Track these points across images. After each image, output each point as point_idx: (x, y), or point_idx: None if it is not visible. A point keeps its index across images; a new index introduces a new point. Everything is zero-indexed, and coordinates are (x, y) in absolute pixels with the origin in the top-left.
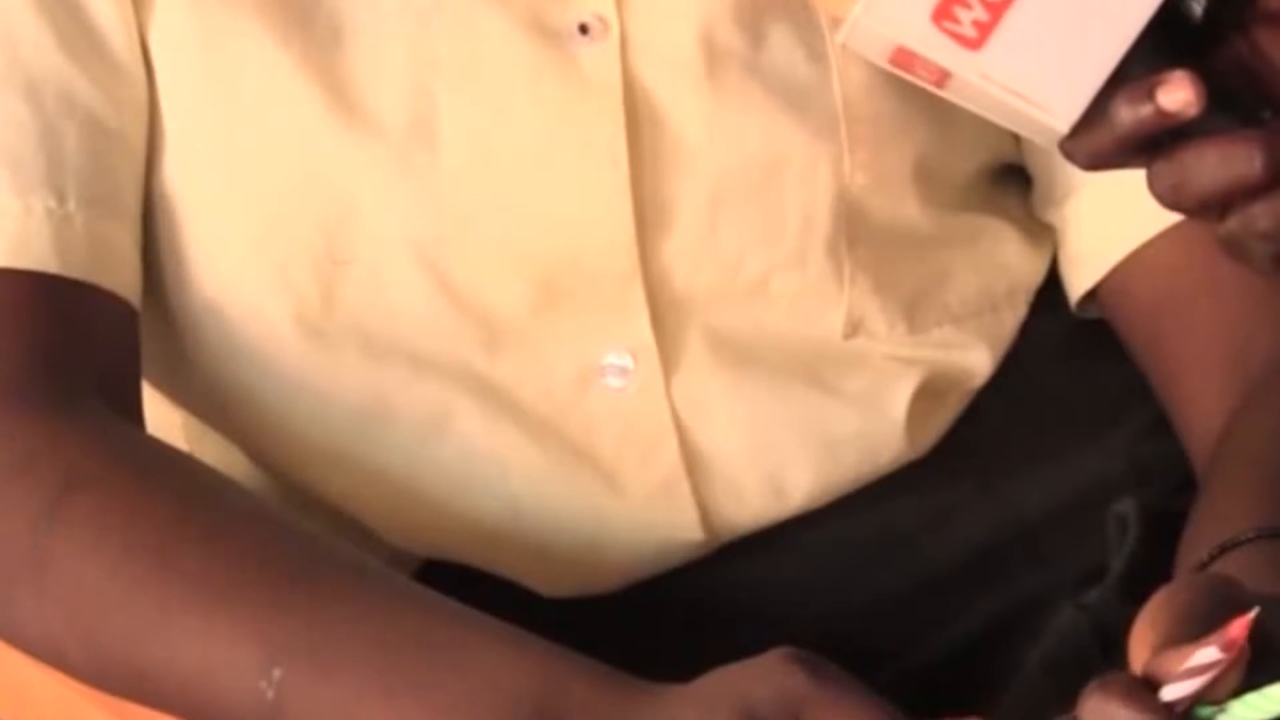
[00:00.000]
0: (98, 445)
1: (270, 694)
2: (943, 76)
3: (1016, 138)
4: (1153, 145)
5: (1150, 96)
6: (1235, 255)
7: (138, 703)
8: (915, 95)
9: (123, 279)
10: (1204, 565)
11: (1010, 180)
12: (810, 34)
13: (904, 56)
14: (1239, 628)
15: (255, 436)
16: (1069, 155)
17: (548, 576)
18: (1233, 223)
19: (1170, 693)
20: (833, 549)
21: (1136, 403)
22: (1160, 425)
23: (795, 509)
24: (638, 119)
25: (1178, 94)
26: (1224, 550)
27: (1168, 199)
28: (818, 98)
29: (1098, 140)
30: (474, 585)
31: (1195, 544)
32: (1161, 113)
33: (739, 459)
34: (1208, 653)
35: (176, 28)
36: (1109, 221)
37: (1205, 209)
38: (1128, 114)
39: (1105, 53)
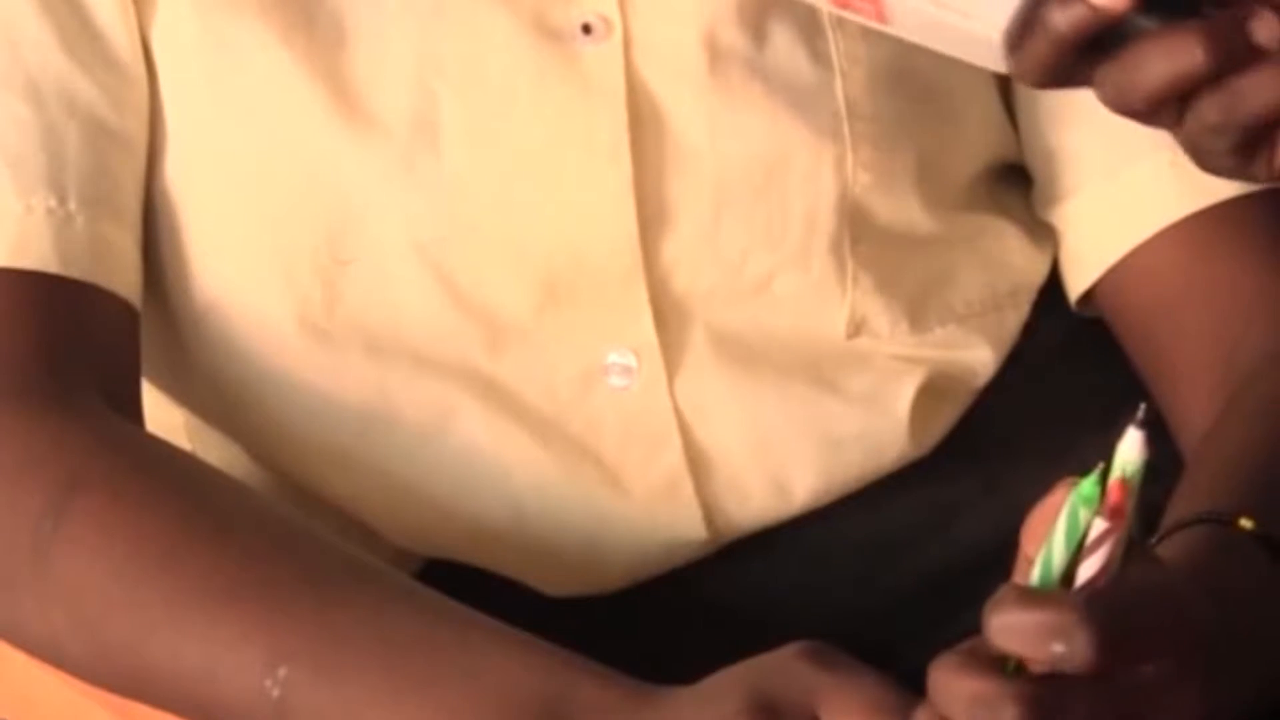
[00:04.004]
0: (100, 445)
1: (275, 693)
2: (877, 7)
3: (1018, 138)
4: (1100, 53)
5: None
6: (1198, 159)
7: (141, 702)
8: (917, 95)
9: (124, 279)
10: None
11: (1012, 180)
12: (813, 34)
13: None
14: (1116, 492)
15: (257, 436)
16: (1017, 74)
17: (550, 576)
18: (1187, 122)
19: (1084, 571)
20: (836, 548)
21: (1138, 402)
22: (1162, 425)
23: (798, 508)
24: (640, 119)
25: None
26: (1168, 533)
27: (1116, 102)
28: (820, 97)
29: (1037, 50)
30: (476, 585)
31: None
32: (1094, 9)
33: (742, 458)
34: (1097, 524)
35: (178, 28)
36: (1106, 222)
37: (1155, 110)
38: (1060, 18)
39: None
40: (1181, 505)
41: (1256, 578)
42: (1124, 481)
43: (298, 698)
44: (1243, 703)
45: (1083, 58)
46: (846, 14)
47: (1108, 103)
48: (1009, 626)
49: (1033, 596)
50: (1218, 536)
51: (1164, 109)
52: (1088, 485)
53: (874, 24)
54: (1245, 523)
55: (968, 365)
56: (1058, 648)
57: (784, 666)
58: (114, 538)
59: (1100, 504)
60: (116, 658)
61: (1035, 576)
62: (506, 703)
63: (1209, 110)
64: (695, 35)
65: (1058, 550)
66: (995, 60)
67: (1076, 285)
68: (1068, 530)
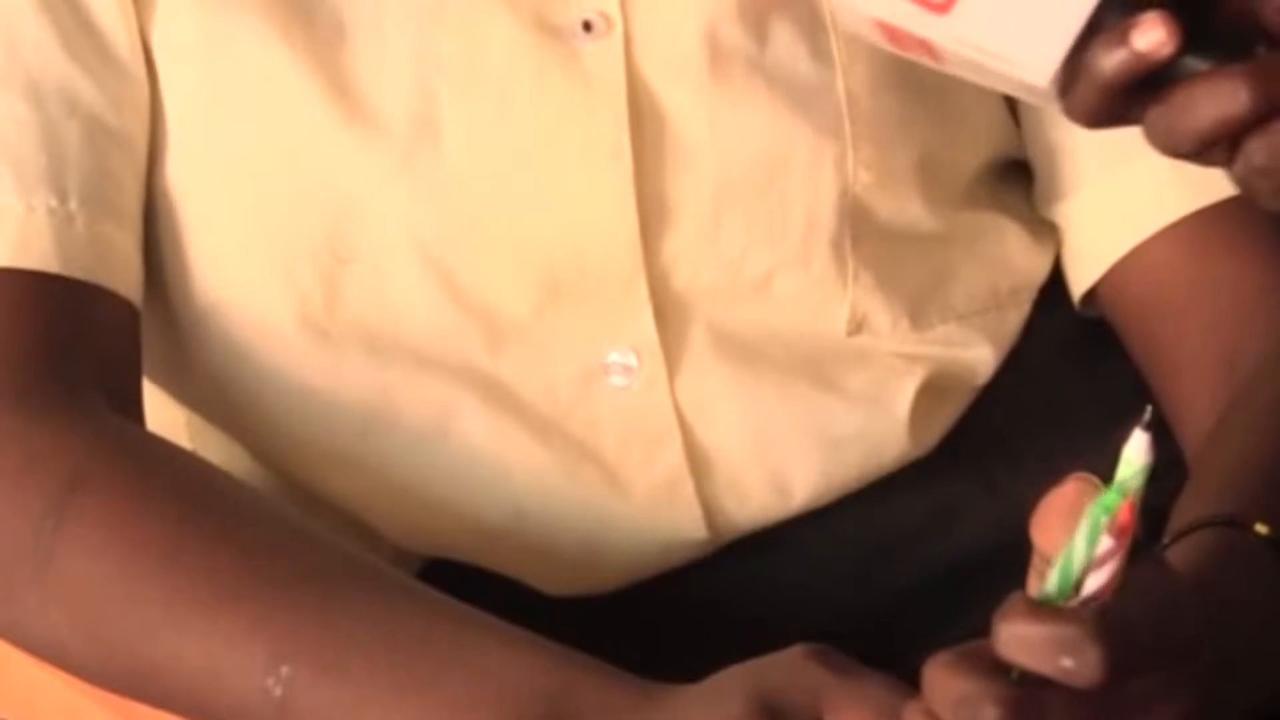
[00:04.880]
0: (101, 444)
1: (278, 691)
2: (928, 48)
3: (1020, 135)
4: (1149, 95)
5: (1125, 41)
6: (1247, 195)
7: (142, 701)
8: (919, 93)
9: (124, 278)
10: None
11: (1014, 177)
12: (814, 32)
13: (888, 31)
14: (1125, 513)
15: (258, 435)
16: (1069, 114)
17: (550, 576)
18: (1236, 164)
19: (1090, 584)
20: (836, 548)
21: (1139, 402)
22: (1162, 425)
23: (798, 508)
24: (641, 117)
25: (1151, 34)
26: (1175, 539)
27: (1164, 144)
28: (822, 96)
29: (1086, 94)
30: (476, 585)
31: (1165, 536)
32: (1138, 55)
33: (742, 457)
34: (1104, 541)
35: (178, 27)
36: (1108, 221)
37: (1203, 151)
38: (1106, 62)
39: (1076, 5)
40: (1189, 508)
41: (1267, 583)
42: (1132, 501)
43: (300, 696)
44: (1244, 707)
45: (1133, 97)
46: (901, 53)
47: (1156, 144)
48: (1018, 638)
49: (1043, 610)
50: (1230, 540)
51: (1213, 150)
52: (1111, 495)
53: (926, 61)
54: (1261, 528)
55: (968, 364)
56: (1066, 663)
57: (789, 667)
58: (115, 537)
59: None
60: (118, 657)
61: (1053, 582)
62: (508, 701)
63: (1256, 153)
64: (696, 32)
65: (1078, 557)
66: (1047, 100)
67: (1079, 283)
68: (1088, 538)
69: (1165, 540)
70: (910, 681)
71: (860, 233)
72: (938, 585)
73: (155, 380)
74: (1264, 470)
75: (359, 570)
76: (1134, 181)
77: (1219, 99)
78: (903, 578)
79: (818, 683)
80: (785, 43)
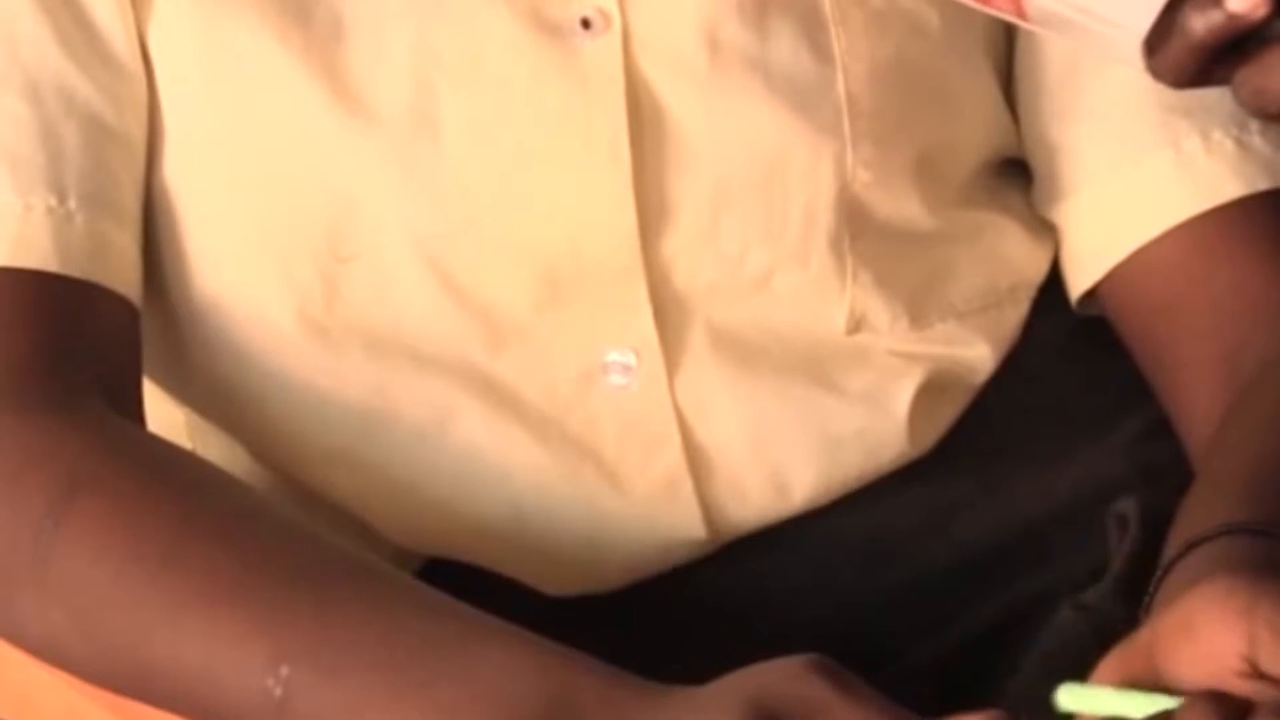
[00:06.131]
0: (101, 445)
1: (278, 692)
2: (1017, 6)
3: (1019, 133)
4: (1237, 55)
5: (1218, 2)
6: None
7: (141, 701)
8: (919, 91)
9: (123, 277)
10: (1172, 563)
11: (1013, 176)
12: (815, 30)
13: None
14: None
15: (257, 434)
16: (1155, 74)
17: (550, 575)
18: None
19: None
20: (835, 547)
21: (1138, 402)
22: (1162, 425)
23: (798, 507)
24: (640, 114)
25: None
26: (1191, 547)
27: (1252, 104)
28: (821, 94)
29: (1176, 54)
30: (476, 585)
31: (1173, 542)
32: (1231, 16)
33: (742, 457)
34: None
35: (176, 26)
36: (1109, 222)
37: None
38: (1199, 22)
39: None
40: (1201, 514)
41: None
42: None
43: (300, 697)
44: None
45: (1220, 60)
46: (986, 9)
47: (1244, 105)
48: None
49: None
50: (1259, 549)
51: None
52: None
53: (1012, 18)
54: None
55: (967, 363)
56: None
57: (790, 677)
58: (115, 538)
59: None
60: (117, 658)
61: None
62: (508, 701)
63: None
64: (695, 30)
65: None
66: (1132, 59)
67: (1078, 284)
68: None
69: (1182, 546)
70: (910, 680)
71: (859, 231)
72: (937, 585)
73: (155, 380)
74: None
75: (359, 570)
76: (1137, 183)
77: None
78: (902, 578)
79: (818, 696)
80: (785, 40)
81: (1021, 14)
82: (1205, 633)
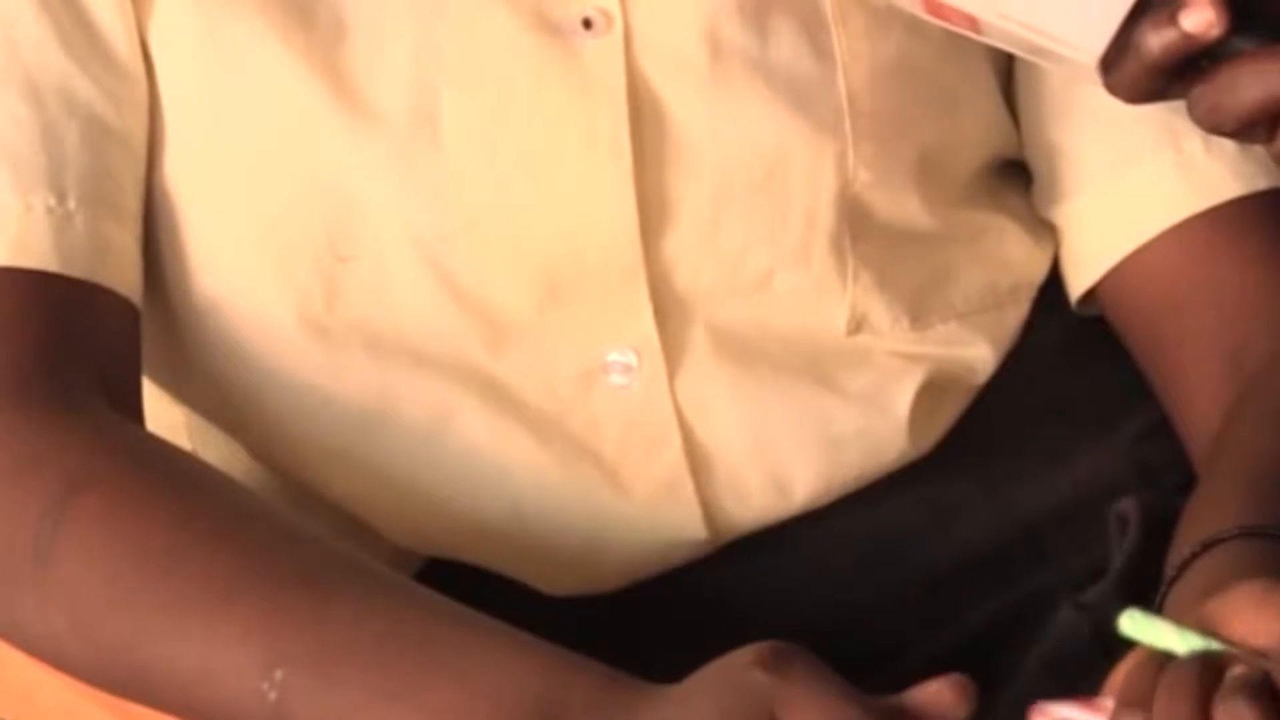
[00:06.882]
0: (101, 445)
1: (272, 695)
2: (971, 21)
3: (1019, 134)
4: (1193, 73)
5: (1173, 21)
6: None
7: (139, 702)
8: (919, 92)
9: (124, 277)
10: (1187, 563)
11: (1014, 176)
12: (816, 30)
13: (933, 5)
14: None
15: (257, 434)
16: (1112, 91)
17: (550, 575)
18: (1277, 141)
19: None
20: (835, 548)
21: (1139, 402)
22: (1162, 425)
23: (798, 507)
24: (641, 114)
25: (1199, 15)
26: (1207, 547)
27: (1207, 122)
28: (822, 94)
29: (1132, 72)
30: (476, 585)
31: (1183, 541)
32: (1186, 36)
33: (742, 457)
34: None
35: (177, 26)
36: (1109, 222)
37: (1246, 130)
38: (1154, 41)
39: None
40: (1208, 516)
41: None
42: None
43: (295, 700)
44: None
45: (1176, 77)
46: (939, 22)
47: (1200, 122)
48: None
49: None
50: (1273, 552)
51: (1255, 129)
52: None
53: (967, 33)
54: None
55: (968, 363)
56: None
57: (741, 672)
58: (114, 538)
59: None
60: (115, 658)
61: None
62: (503, 703)
63: None
64: (696, 30)
65: None
66: (1089, 76)
67: (1077, 285)
68: None
69: (1198, 545)
70: (909, 679)
71: (860, 231)
72: (937, 585)
73: (155, 380)
74: None
75: (355, 572)
76: (1137, 184)
77: (1263, 79)
78: (902, 577)
79: (765, 690)
80: (787, 40)
81: (976, 29)
82: (1240, 631)
